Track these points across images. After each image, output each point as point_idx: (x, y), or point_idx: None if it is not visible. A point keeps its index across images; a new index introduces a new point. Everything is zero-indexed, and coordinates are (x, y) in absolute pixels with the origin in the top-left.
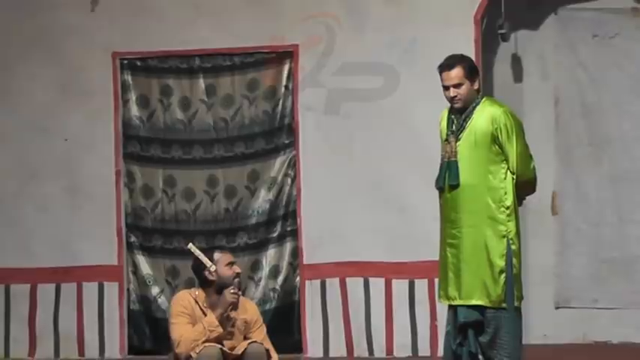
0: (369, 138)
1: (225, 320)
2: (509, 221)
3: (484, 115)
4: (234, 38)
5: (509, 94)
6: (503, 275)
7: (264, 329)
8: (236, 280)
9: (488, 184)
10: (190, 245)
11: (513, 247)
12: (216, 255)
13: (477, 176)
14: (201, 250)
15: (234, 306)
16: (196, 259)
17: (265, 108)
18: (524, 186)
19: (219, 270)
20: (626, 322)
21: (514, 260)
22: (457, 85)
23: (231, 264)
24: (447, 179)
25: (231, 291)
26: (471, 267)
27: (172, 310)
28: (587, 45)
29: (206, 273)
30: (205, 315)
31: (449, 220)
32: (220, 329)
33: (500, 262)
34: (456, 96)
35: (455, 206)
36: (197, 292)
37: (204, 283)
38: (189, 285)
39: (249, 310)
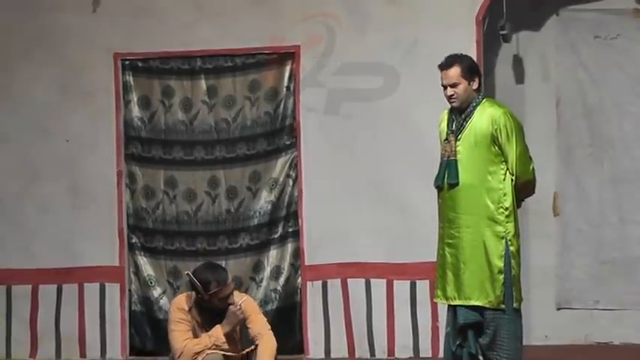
0: (369, 138)
1: (231, 334)
2: (507, 222)
3: (484, 116)
4: (235, 39)
5: (510, 95)
6: (502, 276)
7: (260, 316)
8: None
9: (487, 184)
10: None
11: (512, 248)
12: (213, 286)
13: (476, 176)
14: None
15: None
16: (194, 285)
17: (267, 109)
18: (524, 187)
19: (214, 301)
20: (627, 323)
21: (512, 262)
22: (454, 85)
23: (223, 299)
24: (447, 178)
25: (237, 308)
26: (470, 267)
27: (172, 315)
28: (589, 46)
29: (199, 297)
30: (205, 328)
31: (447, 219)
32: (227, 345)
33: (499, 263)
34: (452, 95)
35: (453, 206)
36: (195, 296)
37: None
38: (190, 286)
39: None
